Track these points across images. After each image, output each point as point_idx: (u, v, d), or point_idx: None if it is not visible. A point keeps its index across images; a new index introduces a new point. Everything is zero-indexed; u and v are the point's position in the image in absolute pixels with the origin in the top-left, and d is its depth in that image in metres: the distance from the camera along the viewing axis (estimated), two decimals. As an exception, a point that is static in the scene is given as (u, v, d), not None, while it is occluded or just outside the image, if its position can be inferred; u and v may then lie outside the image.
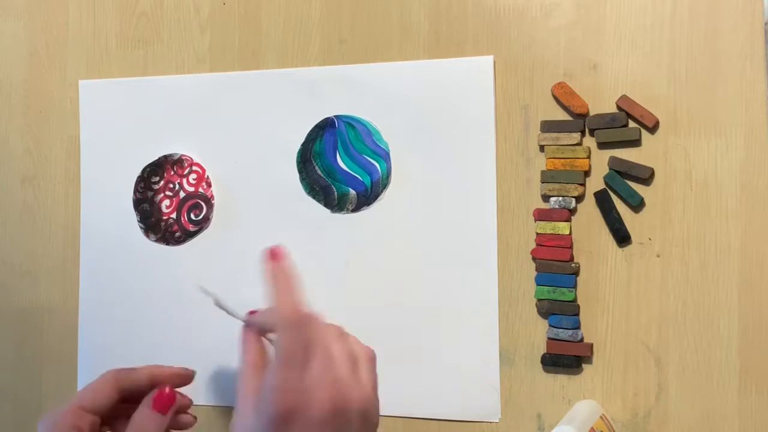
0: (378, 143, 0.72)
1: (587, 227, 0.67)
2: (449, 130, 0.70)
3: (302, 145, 0.74)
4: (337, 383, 0.48)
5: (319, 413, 0.46)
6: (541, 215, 0.68)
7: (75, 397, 0.55)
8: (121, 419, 0.56)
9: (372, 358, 0.52)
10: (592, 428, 0.60)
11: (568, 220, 0.67)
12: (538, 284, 0.68)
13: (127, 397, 0.57)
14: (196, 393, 0.77)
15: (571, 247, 0.67)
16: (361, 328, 0.73)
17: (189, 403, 0.59)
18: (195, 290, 0.65)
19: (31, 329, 0.84)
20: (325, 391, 0.47)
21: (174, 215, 0.78)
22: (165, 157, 0.79)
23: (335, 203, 0.73)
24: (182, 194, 0.78)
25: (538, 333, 0.68)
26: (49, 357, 0.83)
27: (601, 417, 0.63)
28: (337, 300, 0.73)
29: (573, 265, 0.67)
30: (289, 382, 0.46)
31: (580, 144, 0.67)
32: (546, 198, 0.68)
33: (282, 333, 0.48)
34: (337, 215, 0.73)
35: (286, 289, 0.51)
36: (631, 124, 0.66)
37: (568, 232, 0.67)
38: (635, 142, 0.66)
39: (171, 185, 0.78)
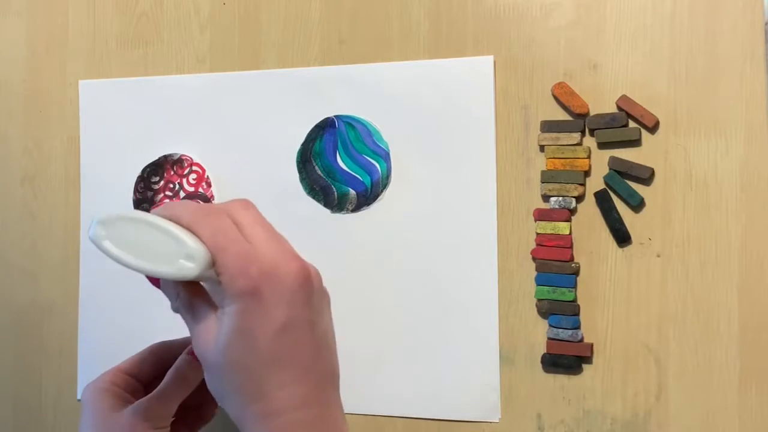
0: (378, 143, 0.72)
1: (587, 227, 0.67)
2: (449, 130, 0.70)
3: (302, 145, 0.74)
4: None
5: (290, 280, 0.43)
6: (541, 215, 0.68)
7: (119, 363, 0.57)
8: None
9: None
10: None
11: (568, 220, 0.67)
12: (538, 284, 0.68)
13: (167, 368, 0.57)
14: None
15: (571, 247, 0.67)
16: (361, 328, 0.73)
17: None
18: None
19: (31, 329, 0.84)
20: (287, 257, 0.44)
21: (174, 215, 0.78)
22: (165, 157, 0.79)
23: (335, 203, 0.73)
24: (182, 194, 0.78)
25: (538, 333, 0.68)
26: (49, 357, 0.83)
27: None
28: (337, 300, 0.73)
29: (573, 265, 0.67)
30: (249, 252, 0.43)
31: (580, 144, 0.67)
32: (546, 198, 0.68)
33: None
34: (337, 215, 0.73)
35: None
36: (631, 124, 0.66)
37: (568, 232, 0.67)
38: (635, 142, 0.66)
39: (171, 185, 0.78)
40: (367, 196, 0.73)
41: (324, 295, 0.49)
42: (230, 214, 0.48)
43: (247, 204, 0.49)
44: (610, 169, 0.66)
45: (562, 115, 0.68)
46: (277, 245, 0.47)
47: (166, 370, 0.57)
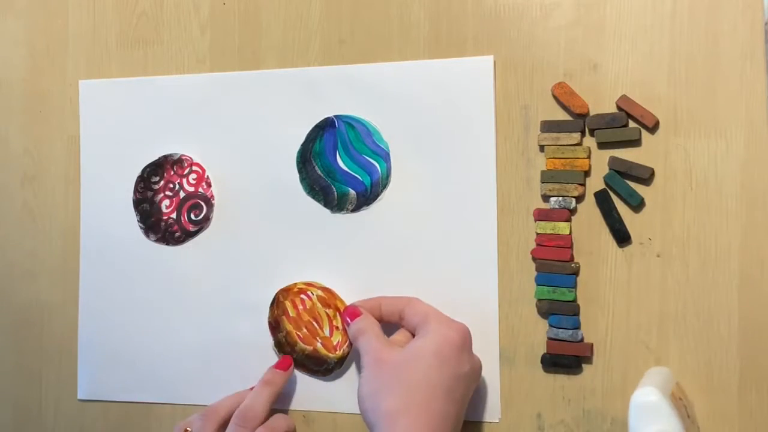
0: (378, 143, 0.72)
1: (587, 227, 0.67)
2: (449, 130, 0.70)
3: (302, 145, 0.74)
4: None
5: None
6: (541, 215, 0.68)
7: None
8: None
9: None
10: (672, 393, 0.59)
11: (568, 220, 0.67)
12: (538, 284, 0.68)
13: None
14: (193, 393, 0.77)
15: (571, 247, 0.67)
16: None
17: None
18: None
19: (31, 329, 0.84)
20: None
21: (174, 215, 0.78)
22: (165, 157, 0.79)
23: (335, 203, 0.73)
24: (182, 194, 0.78)
25: (538, 333, 0.68)
26: (49, 357, 0.83)
27: (676, 383, 0.62)
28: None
29: (573, 265, 0.67)
30: None
31: (580, 144, 0.67)
32: (546, 198, 0.68)
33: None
34: (337, 215, 0.73)
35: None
36: (631, 124, 0.66)
37: (568, 232, 0.67)
38: (635, 142, 0.66)
39: (171, 185, 0.78)
40: (367, 196, 0.73)
41: None
42: None
43: None
44: (610, 169, 0.66)
45: (562, 115, 0.68)
46: None
47: None
